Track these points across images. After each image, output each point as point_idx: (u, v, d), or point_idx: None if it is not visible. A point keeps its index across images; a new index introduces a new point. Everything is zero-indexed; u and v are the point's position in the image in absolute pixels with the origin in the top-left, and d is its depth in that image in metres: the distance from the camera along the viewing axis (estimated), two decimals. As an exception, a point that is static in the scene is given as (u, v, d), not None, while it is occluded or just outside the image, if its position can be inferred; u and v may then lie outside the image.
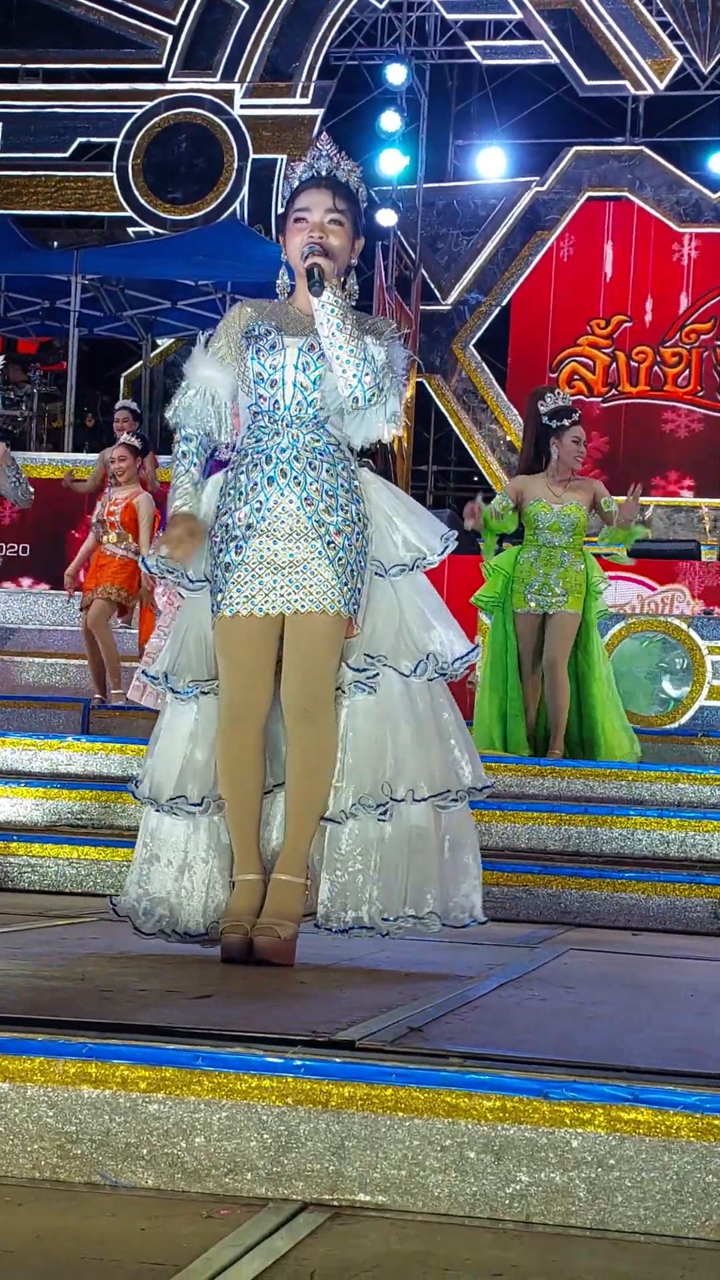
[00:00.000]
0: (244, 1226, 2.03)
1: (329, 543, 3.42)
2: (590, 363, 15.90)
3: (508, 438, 16.05)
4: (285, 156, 16.02)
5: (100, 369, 16.64)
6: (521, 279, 16.29)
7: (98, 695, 8.78)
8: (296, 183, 3.59)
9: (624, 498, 7.09)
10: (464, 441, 16.35)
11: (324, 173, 3.56)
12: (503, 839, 5.61)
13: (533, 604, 7.13)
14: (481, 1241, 2.06)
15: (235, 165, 16.05)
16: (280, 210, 3.75)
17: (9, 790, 5.95)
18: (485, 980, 3.23)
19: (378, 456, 14.83)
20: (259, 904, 3.41)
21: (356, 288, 3.63)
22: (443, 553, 3.53)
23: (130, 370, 16.55)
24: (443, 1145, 2.15)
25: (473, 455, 16.30)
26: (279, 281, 3.63)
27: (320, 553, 3.42)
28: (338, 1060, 2.20)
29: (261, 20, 16.21)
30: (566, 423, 7.10)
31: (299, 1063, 2.18)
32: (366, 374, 3.37)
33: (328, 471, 3.45)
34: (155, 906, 3.47)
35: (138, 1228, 2.03)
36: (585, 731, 7.11)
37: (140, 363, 16.09)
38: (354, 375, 3.38)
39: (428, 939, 3.62)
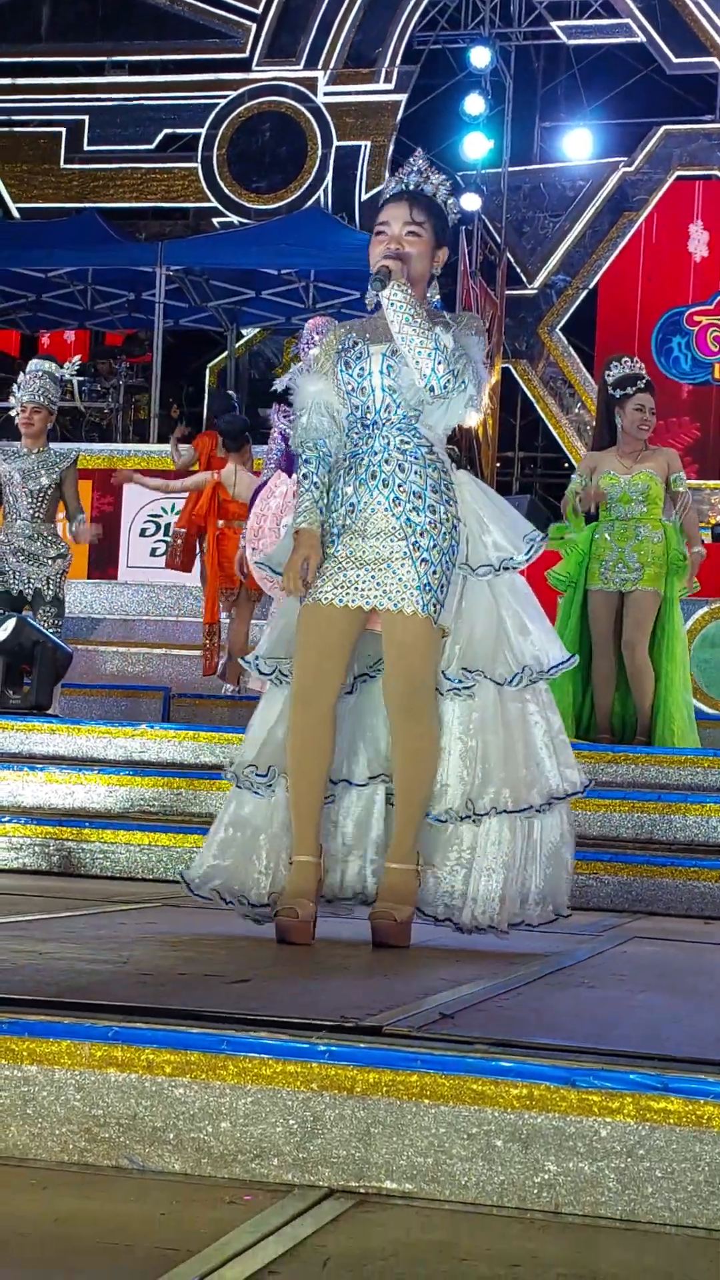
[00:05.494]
0: (265, 1213, 2.01)
1: (414, 543, 3.51)
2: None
3: (595, 422, 15.88)
4: (369, 143, 15.99)
5: (185, 360, 16.72)
6: (609, 261, 16.12)
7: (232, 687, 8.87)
8: (386, 197, 3.74)
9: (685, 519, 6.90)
10: (551, 427, 16.22)
11: (410, 186, 3.70)
12: (574, 826, 5.53)
13: (609, 582, 6.91)
14: (508, 1232, 2.03)
15: (319, 153, 16.04)
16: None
17: (83, 777, 5.99)
18: (534, 966, 3.19)
19: (462, 443, 14.76)
20: (313, 886, 3.47)
21: (439, 296, 3.74)
22: (528, 554, 3.61)
23: (215, 361, 16.62)
24: (469, 1133, 2.12)
25: (560, 441, 16.16)
26: (368, 296, 3.74)
27: (405, 553, 3.51)
28: (363, 1046, 2.17)
29: (345, 6, 16.17)
30: (630, 390, 6.91)
31: (323, 1048, 2.16)
32: (439, 362, 3.48)
33: (417, 473, 3.56)
34: (216, 873, 3.59)
35: (158, 1212, 2.02)
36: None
37: (225, 353, 16.15)
38: (427, 364, 3.49)
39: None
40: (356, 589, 3.51)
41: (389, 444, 3.57)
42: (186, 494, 9.39)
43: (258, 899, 3.55)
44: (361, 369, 3.60)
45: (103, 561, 11.97)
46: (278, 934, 3.41)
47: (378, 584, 3.50)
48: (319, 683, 3.53)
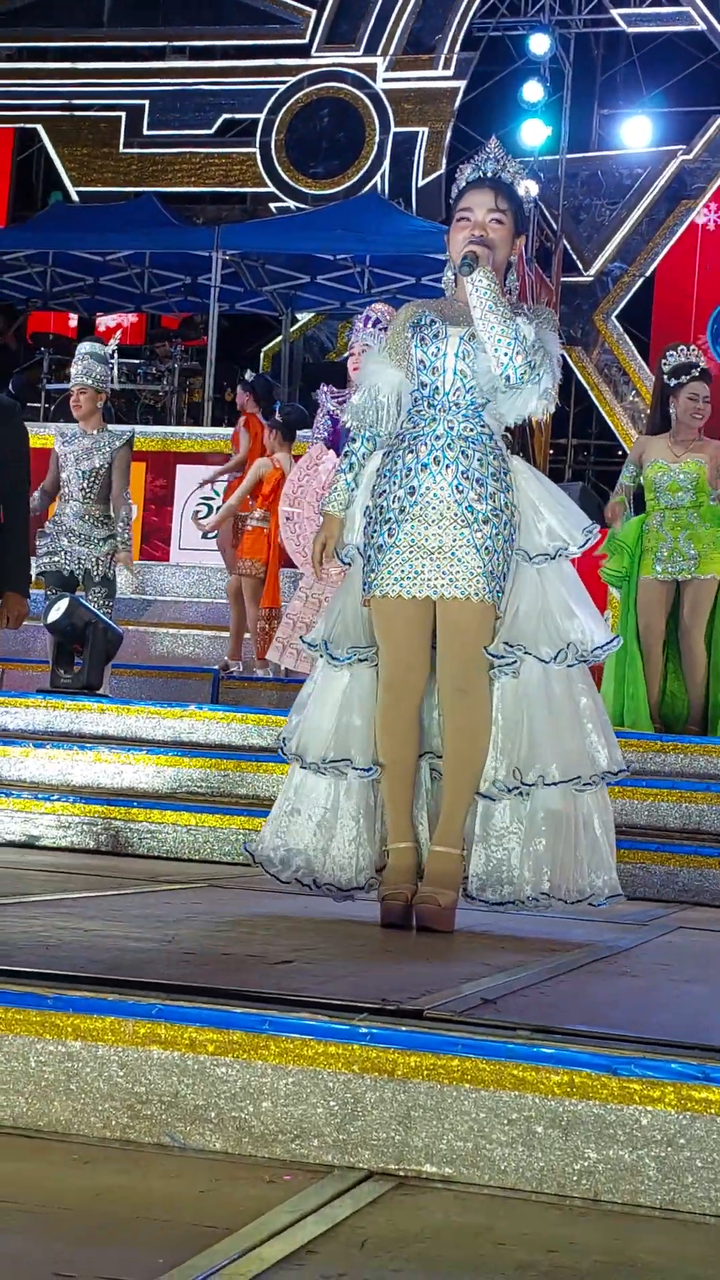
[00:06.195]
0: (304, 1192, 2.02)
1: (477, 530, 3.53)
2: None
3: (650, 408, 15.77)
4: (426, 130, 15.93)
5: (241, 344, 16.73)
6: (666, 249, 16.00)
7: (232, 663, 8.97)
8: (464, 183, 3.74)
9: None
10: (604, 414, 16.13)
11: (489, 174, 3.71)
12: (621, 815, 5.48)
13: (663, 571, 6.87)
14: (547, 1218, 2.02)
15: (376, 139, 16.00)
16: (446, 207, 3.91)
17: (132, 757, 6.03)
18: (577, 954, 3.19)
19: (515, 430, 14.70)
20: (414, 870, 3.54)
21: (516, 285, 3.75)
22: (584, 544, 3.63)
23: (270, 345, 16.63)
24: (509, 1118, 2.12)
25: (613, 428, 16.08)
26: (444, 279, 3.78)
27: (468, 540, 3.53)
28: (405, 1029, 2.17)
29: (405, -8, 16.11)
30: (684, 379, 6.88)
31: (365, 1030, 2.16)
32: (518, 353, 3.49)
33: (479, 460, 3.56)
34: (293, 857, 3.62)
35: (198, 1190, 2.03)
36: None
37: (280, 337, 16.15)
38: (505, 353, 3.50)
39: (545, 914, 3.67)
40: (423, 579, 3.54)
41: (453, 429, 3.57)
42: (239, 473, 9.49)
43: (344, 883, 3.60)
44: (437, 348, 3.61)
45: (155, 543, 12.01)
46: (384, 917, 3.48)
47: (443, 573, 3.53)
48: (411, 678, 3.58)
